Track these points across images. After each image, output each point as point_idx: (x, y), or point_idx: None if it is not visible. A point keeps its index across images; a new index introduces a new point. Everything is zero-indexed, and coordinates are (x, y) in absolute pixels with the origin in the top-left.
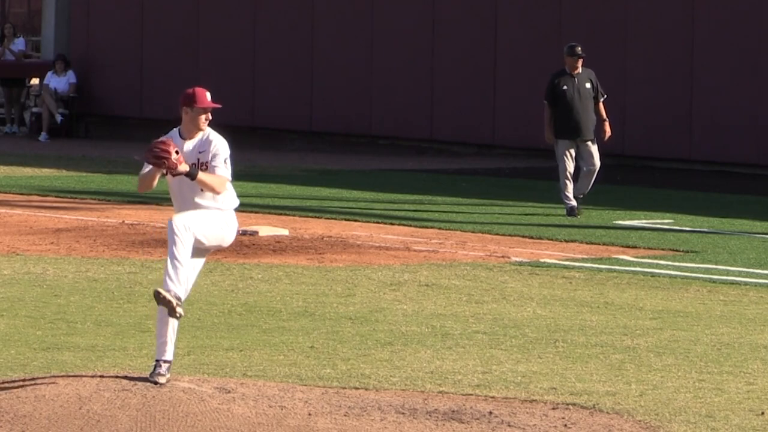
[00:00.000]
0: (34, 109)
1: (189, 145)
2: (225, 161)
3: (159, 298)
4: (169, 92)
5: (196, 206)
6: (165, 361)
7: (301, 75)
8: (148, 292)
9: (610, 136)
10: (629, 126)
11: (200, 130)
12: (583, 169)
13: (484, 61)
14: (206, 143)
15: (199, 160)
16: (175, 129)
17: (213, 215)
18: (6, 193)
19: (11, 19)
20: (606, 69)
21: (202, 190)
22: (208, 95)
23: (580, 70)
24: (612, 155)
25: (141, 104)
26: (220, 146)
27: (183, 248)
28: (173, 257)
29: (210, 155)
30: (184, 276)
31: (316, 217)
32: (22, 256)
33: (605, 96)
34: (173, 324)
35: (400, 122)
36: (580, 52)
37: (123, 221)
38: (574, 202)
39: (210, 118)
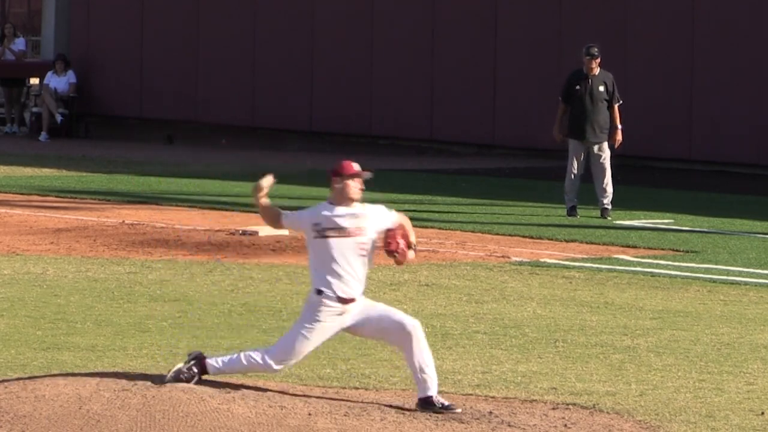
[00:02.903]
0: (34, 109)
1: (341, 210)
2: (384, 210)
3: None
4: (169, 92)
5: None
6: (185, 375)
7: (301, 75)
8: (149, 292)
9: (620, 143)
10: (629, 126)
11: (351, 199)
12: (595, 178)
13: (484, 61)
14: (363, 211)
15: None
16: (322, 203)
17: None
18: (6, 193)
19: (11, 19)
20: (606, 69)
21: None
22: (356, 165)
23: (596, 71)
24: (612, 155)
25: (141, 104)
26: (375, 208)
27: None
28: None
29: (372, 224)
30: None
31: None
32: (22, 256)
33: (621, 101)
34: (242, 370)
35: (400, 122)
36: (593, 53)
37: (123, 221)
38: (574, 202)
39: (363, 187)
